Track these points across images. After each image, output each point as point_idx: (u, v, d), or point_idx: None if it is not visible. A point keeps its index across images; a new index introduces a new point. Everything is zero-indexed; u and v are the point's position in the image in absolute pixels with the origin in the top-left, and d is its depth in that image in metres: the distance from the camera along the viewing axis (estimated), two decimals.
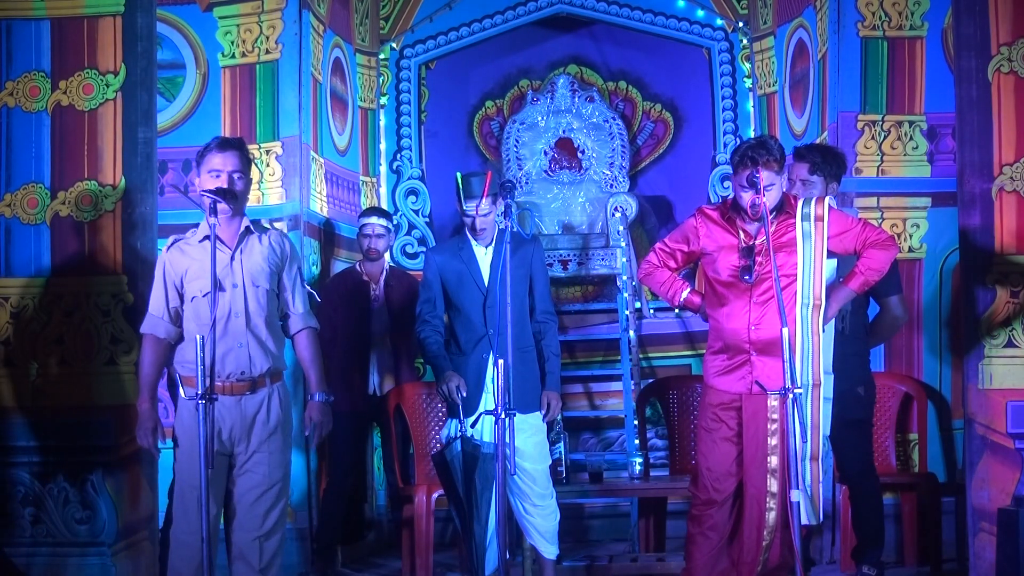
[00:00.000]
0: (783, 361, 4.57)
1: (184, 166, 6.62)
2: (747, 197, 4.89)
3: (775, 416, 4.93)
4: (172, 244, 4.77)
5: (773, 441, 4.94)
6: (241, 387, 4.65)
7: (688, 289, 5.23)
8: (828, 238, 4.95)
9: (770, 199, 4.89)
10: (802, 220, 4.95)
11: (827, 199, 5.08)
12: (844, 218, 5.07)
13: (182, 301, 4.72)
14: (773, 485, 4.95)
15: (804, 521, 4.83)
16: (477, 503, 5.30)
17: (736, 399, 5.01)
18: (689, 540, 5.12)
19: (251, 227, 4.79)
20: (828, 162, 5.69)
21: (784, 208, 4.99)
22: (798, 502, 4.55)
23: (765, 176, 4.84)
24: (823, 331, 4.96)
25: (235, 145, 4.76)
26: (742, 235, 5.00)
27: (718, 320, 5.06)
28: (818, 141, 6.62)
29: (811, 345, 4.91)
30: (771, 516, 4.96)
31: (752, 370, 4.96)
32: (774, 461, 4.94)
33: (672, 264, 5.22)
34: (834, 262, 5.08)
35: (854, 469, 5.75)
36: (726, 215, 5.05)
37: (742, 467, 5.00)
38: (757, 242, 4.96)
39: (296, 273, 4.90)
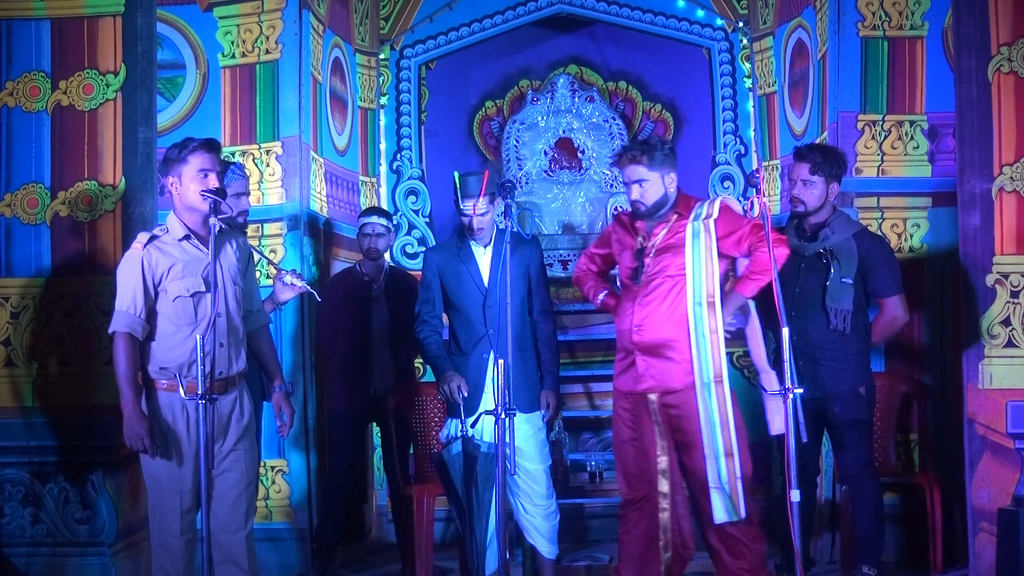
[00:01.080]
0: (784, 362, 4.57)
1: None
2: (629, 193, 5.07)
3: (658, 419, 5.01)
4: (148, 242, 4.71)
5: (662, 442, 5.01)
6: (218, 387, 4.64)
7: (604, 292, 5.37)
8: (717, 238, 4.97)
9: (647, 197, 5.01)
10: (693, 219, 4.99)
11: (720, 199, 5.10)
12: (735, 220, 5.05)
13: (156, 300, 4.73)
14: (664, 485, 5.01)
15: (724, 519, 4.87)
16: (477, 503, 5.30)
17: (629, 399, 5.09)
18: (619, 538, 5.25)
19: (223, 228, 4.79)
20: (829, 162, 5.69)
21: (677, 208, 5.06)
22: (797, 502, 4.54)
23: (634, 171, 5.00)
24: (720, 329, 4.97)
25: (218, 147, 4.79)
26: (640, 238, 5.08)
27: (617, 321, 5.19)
28: (818, 141, 6.61)
29: (707, 342, 4.93)
30: (664, 516, 5.01)
31: (636, 370, 5.04)
32: (664, 462, 5.01)
33: (593, 267, 5.42)
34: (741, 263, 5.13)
35: (854, 469, 5.74)
36: (634, 218, 5.14)
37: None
38: (647, 244, 5.04)
39: (255, 271, 5.01)
